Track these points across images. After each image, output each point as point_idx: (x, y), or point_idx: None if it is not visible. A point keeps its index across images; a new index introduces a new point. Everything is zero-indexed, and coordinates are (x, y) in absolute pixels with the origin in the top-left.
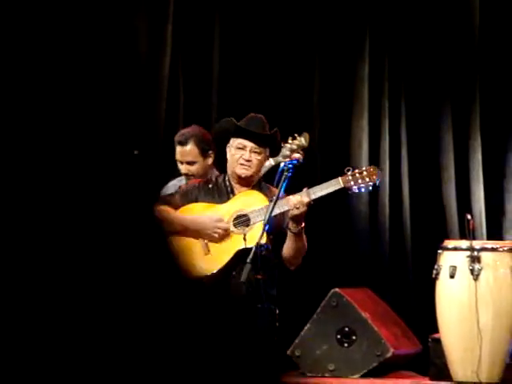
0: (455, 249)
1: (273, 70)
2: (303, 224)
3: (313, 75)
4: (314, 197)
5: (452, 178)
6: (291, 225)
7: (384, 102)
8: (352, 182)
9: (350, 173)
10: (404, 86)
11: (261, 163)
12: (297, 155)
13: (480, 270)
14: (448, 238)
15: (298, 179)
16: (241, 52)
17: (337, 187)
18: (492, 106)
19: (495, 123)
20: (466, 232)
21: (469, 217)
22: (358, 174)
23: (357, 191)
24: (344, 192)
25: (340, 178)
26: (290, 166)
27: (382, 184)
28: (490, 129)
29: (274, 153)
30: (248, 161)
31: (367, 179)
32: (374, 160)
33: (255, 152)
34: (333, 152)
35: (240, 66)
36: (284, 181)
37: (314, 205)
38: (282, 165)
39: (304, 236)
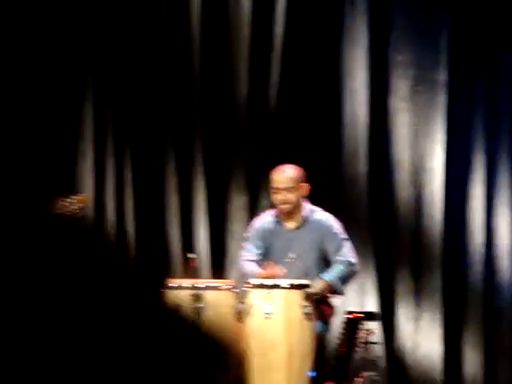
0: (178, 287)
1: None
2: None
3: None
4: None
5: (176, 218)
6: None
7: (109, 142)
8: (63, 207)
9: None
10: (129, 127)
11: None
12: None
13: (202, 308)
14: (173, 277)
15: None
16: None
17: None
18: (215, 149)
19: (219, 165)
20: (189, 271)
21: (191, 255)
22: (67, 200)
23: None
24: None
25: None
26: None
27: (108, 224)
28: (214, 170)
29: None
30: None
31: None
32: (99, 200)
33: None
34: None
35: None
36: None
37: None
38: None
39: None
